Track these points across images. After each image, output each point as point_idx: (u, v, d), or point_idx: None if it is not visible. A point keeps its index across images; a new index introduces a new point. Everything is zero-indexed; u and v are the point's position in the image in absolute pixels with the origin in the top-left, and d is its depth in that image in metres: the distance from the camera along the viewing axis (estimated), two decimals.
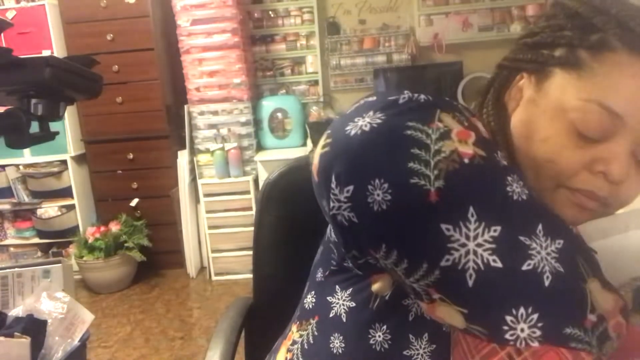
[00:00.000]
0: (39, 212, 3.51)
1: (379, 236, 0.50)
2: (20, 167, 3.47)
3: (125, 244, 3.26)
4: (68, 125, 3.38)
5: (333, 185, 0.52)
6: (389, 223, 0.49)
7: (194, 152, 3.35)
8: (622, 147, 0.51)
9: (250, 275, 1.09)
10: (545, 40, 0.57)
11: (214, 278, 3.40)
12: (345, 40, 3.68)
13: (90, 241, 3.25)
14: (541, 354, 0.45)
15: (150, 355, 2.60)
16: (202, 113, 3.26)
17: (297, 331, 0.68)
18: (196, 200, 3.45)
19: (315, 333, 0.65)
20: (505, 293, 0.46)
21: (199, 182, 3.30)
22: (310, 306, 0.68)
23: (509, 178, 0.50)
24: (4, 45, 2.99)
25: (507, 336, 0.46)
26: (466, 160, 0.48)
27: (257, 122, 3.43)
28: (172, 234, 3.50)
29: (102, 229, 3.29)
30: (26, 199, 3.51)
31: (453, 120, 0.51)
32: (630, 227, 0.56)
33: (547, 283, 0.46)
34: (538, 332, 0.45)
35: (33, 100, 0.68)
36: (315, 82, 3.76)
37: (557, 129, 0.54)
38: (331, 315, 0.62)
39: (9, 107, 0.69)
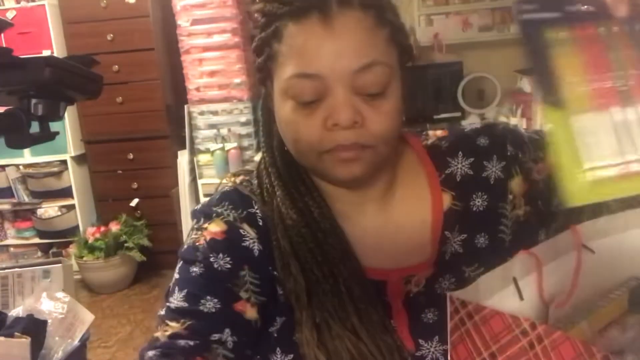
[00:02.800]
0: (39, 212, 3.51)
1: None
2: (20, 167, 3.47)
3: (125, 244, 3.26)
4: (68, 125, 3.38)
5: None
6: None
7: (194, 152, 3.35)
8: (340, 96, 0.57)
9: None
10: (257, 46, 0.63)
11: None
12: None
13: (90, 241, 3.26)
14: (558, 343, 0.46)
15: None
16: (202, 113, 3.26)
17: None
18: (196, 200, 3.44)
19: None
20: None
21: (199, 182, 3.30)
22: None
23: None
24: (4, 45, 2.99)
25: None
26: None
27: (257, 122, 3.42)
28: (172, 234, 3.49)
29: (102, 229, 3.30)
30: (26, 199, 3.51)
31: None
32: (629, 226, 0.56)
33: None
34: None
35: (33, 100, 0.68)
36: None
37: (285, 111, 0.60)
38: None
39: (9, 107, 0.69)
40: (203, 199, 3.52)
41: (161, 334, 0.60)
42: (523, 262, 0.53)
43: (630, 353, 0.49)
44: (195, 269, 0.63)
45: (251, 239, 0.65)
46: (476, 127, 0.71)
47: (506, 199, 0.68)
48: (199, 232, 0.66)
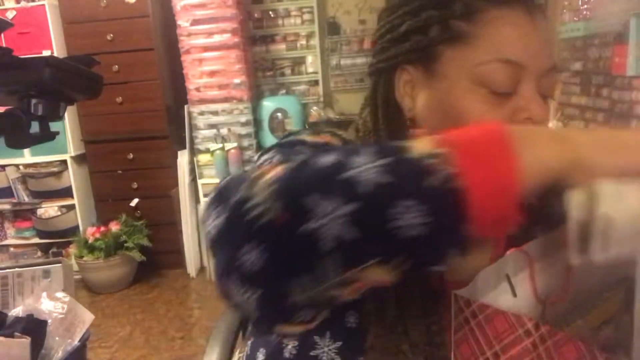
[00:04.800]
0: (39, 212, 3.51)
1: None
2: (20, 167, 3.47)
3: (125, 244, 3.26)
4: (68, 125, 3.38)
5: None
6: None
7: (194, 152, 3.35)
8: (533, 90, 0.55)
9: None
10: (415, 26, 0.58)
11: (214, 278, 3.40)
12: (346, 41, 3.68)
13: (90, 241, 3.25)
14: (562, 343, 0.46)
15: (150, 355, 2.60)
16: (202, 113, 3.26)
17: (239, 353, 0.70)
18: (196, 200, 3.45)
19: (248, 352, 0.66)
20: None
21: (199, 182, 3.30)
22: (251, 327, 0.70)
23: None
24: (4, 45, 2.99)
25: None
26: None
27: (257, 122, 3.43)
28: (172, 234, 3.49)
29: (102, 229, 3.29)
30: (26, 199, 3.51)
31: None
32: None
33: None
34: None
35: (33, 100, 0.68)
36: (315, 83, 3.77)
37: (470, 100, 0.56)
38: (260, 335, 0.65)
39: (9, 107, 0.69)
40: (203, 199, 3.53)
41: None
42: (515, 260, 0.53)
43: (624, 352, 0.49)
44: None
45: None
46: None
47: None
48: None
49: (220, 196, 0.46)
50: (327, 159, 0.41)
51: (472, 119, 0.55)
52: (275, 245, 0.40)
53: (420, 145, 0.41)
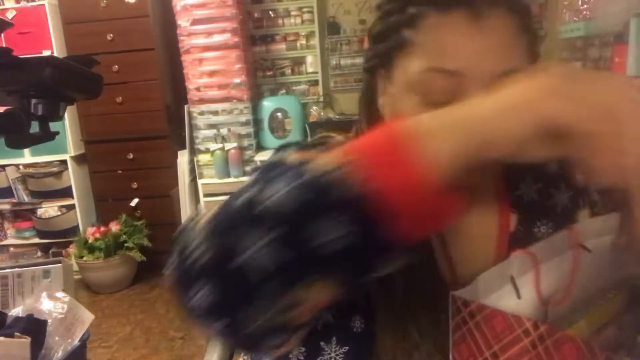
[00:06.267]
0: (39, 212, 3.51)
1: None
2: (20, 167, 3.47)
3: (125, 244, 3.26)
4: (68, 125, 3.38)
5: None
6: None
7: (194, 152, 3.35)
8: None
9: None
10: (379, 33, 0.59)
11: None
12: (346, 40, 3.68)
13: (90, 241, 3.25)
14: (561, 343, 0.46)
15: (150, 355, 2.60)
16: (202, 113, 3.26)
17: (244, 355, 0.70)
18: (196, 200, 3.45)
19: (253, 356, 0.66)
20: None
21: (199, 182, 3.30)
22: None
23: None
24: (4, 45, 2.99)
25: None
26: None
27: (257, 122, 3.43)
28: (172, 234, 3.48)
29: (102, 229, 3.29)
30: (26, 199, 3.51)
31: None
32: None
33: None
34: None
35: (33, 100, 0.68)
36: (315, 82, 3.76)
37: (407, 106, 0.55)
38: None
39: (9, 107, 0.69)
40: (203, 199, 3.52)
41: None
42: (520, 261, 0.53)
43: (626, 352, 0.49)
44: None
45: None
46: None
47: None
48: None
49: (173, 245, 0.49)
50: (243, 197, 0.43)
51: None
52: (216, 282, 0.42)
53: (328, 159, 0.42)
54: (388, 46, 0.57)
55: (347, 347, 0.57)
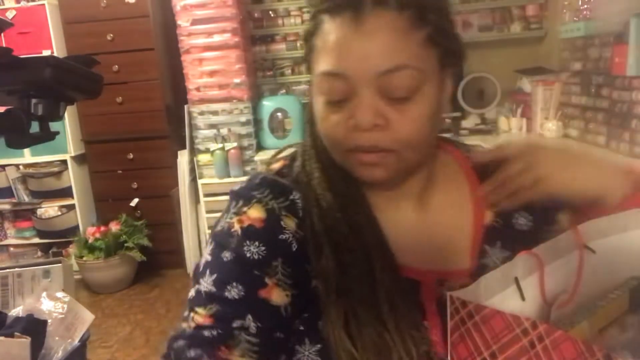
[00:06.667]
0: (39, 212, 3.51)
1: None
2: (20, 167, 3.47)
3: (125, 244, 3.26)
4: (68, 125, 3.38)
5: None
6: None
7: (194, 152, 3.35)
8: (364, 97, 0.56)
9: None
10: (304, 38, 0.63)
11: None
12: None
13: (90, 241, 3.25)
14: (559, 342, 0.46)
15: (150, 355, 2.60)
16: (202, 113, 3.27)
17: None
18: (196, 201, 3.45)
19: None
20: None
21: (199, 182, 3.30)
22: None
23: None
24: (4, 45, 2.99)
25: None
26: None
27: (257, 122, 3.43)
28: (172, 234, 3.49)
29: (102, 229, 3.29)
30: (26, 199, 3.51)
31: None
32: (629, 227, 0.56)
33: None
34: None
35: (33, 100, 0.68)
36: None
37: (317, 105, 0.61)
38: None
39: (9, 107, 0.69)
40: (203, 199, 3.51)
41: (187, 325, 0.60)
42: (525, 263, 0.52)
43: (630, 352, 0.49)
44: (227, 255, 0.61)
45: (290, 232, 0.63)
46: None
47: (552, 225, 0.67)
48: (236, 217, 0.64)
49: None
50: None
51: (320, 126, 0.61)
52: None
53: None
54: (306, 52, 0.63)
55: (319, 345, 0.61)
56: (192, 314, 0.60)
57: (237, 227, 0.62)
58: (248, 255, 0.61)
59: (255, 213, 0.63)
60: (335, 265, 0.60)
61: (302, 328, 0.63)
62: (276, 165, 0.71)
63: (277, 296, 0.61)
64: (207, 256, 0.64)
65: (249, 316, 0.59)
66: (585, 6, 2.63)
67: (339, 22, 0.56)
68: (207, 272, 0.62)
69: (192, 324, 0.60)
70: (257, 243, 0.61)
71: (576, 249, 0.53)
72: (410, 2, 0.55)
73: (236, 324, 0.59)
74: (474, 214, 0.67)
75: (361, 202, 0.65)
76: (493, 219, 0.67)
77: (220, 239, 0.63)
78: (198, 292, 0.61)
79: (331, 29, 0.57)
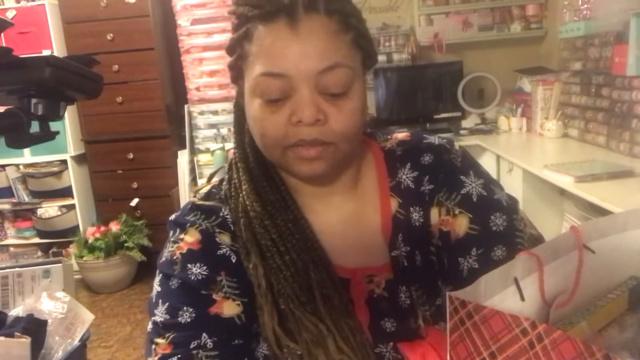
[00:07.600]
0: (39, 212, 3.51)
1: None
2: (20, 167, 3.47)
3: (125, 244, 3.26)
4: (68, 125, 3.38)
5: None
6: None
7: (194, 151, 3.35)
8: (305, 94, 0.60)
9: None
10: (230, 46, 0.66)
11: None
12: None
13: (90, 241, 3.25)
14: (559, 342, 0.46)
15: None
16: (202, 113, 3.26)
17: None
18: None
19: None
20: None
21: (199, 182, 3.30)
22: None
23: None
24: (4, 45, 2.99)
25: None
26: None
27: None
28: None
29: (102, 228, 3.29)
30: (26, 199, 3.51)
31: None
32: (628, 226, 0.56)
33: None
34: None
35: (33, 100, 0.68)
36: None
37: (253, 108, 0.63)
38: None
39: (9, 107, 0.69)
40: None
41: (152, 359, 0.65)
42: (524, 263, 0.52)
43: (629, 352, 0.49)
44: (174, 282, 0.66)
45: (227, 246, 0.67)
46: (431, 142, 0.72)
47: (431, 222, 0.70)
48: (175, 245, 0.68)
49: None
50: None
51: (256, 127, 0.64)
52: None
53: None
54: (235, 59, 0.66)
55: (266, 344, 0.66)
56: (153, 346, 0.65)
57: (177, 254, 0.67)
58: (192, 278, 0.65)
59: (191, 237, 0.68)
60: (263, 270, 0.64)
61: (257, 331, 0.67)
62: (204, 190, 0.74)
63: (228, 308, 0.65)
64: (156, 287, 0.68)
65: (204, 334, 0.63)
66: (585, 6, 2.63)
67: (274, 27, 0.60)
68: (160, 302, 0.66)
69: (155, 357, 0.64)
70: (198, 264, 0.65)
71: (575, 249, 0.53)
72: (337, 9, 0.61)
73: (193, 344, 0.63)
74: (382, 205, 0.71)
75: (291, 206, 0.69)
76: (397, 210, 0.70)
77: (165, 269, 0.67)
78: (155, 323, 0.66)
79: (266, 34, 0.60)
